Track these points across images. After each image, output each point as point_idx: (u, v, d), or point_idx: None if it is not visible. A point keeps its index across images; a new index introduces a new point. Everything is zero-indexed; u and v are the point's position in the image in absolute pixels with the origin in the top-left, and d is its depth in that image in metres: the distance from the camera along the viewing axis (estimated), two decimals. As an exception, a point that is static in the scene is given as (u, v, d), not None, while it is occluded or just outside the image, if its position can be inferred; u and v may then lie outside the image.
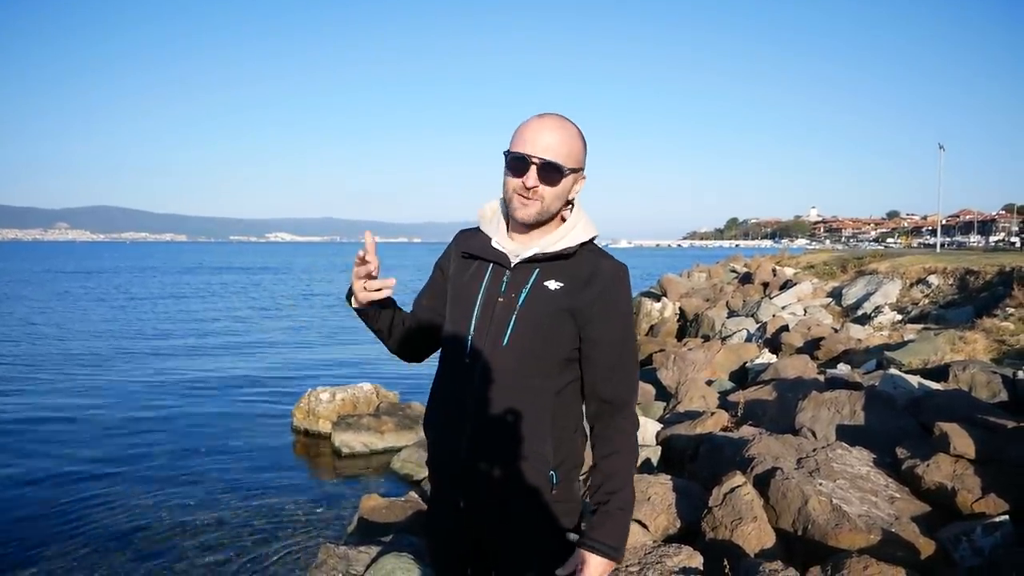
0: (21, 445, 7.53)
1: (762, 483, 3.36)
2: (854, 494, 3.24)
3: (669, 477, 3.68)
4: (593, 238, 1.52)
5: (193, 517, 5.61)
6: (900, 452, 3.76)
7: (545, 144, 1.42)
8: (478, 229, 1.58)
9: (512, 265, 1.49)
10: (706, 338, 11.20)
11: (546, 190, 1.43)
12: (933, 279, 11.99)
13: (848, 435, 4.29)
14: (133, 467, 6.84)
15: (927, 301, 11.28)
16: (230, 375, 11.79)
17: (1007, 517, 2.98)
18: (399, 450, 6.99)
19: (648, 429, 5.17)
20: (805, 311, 11.78)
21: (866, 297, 12.21)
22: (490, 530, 1.50)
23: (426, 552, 1.74)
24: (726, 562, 2.79)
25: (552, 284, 1.46)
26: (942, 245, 39.68)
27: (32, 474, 6.61)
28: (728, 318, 11.96)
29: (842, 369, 6.90)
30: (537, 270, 1.48)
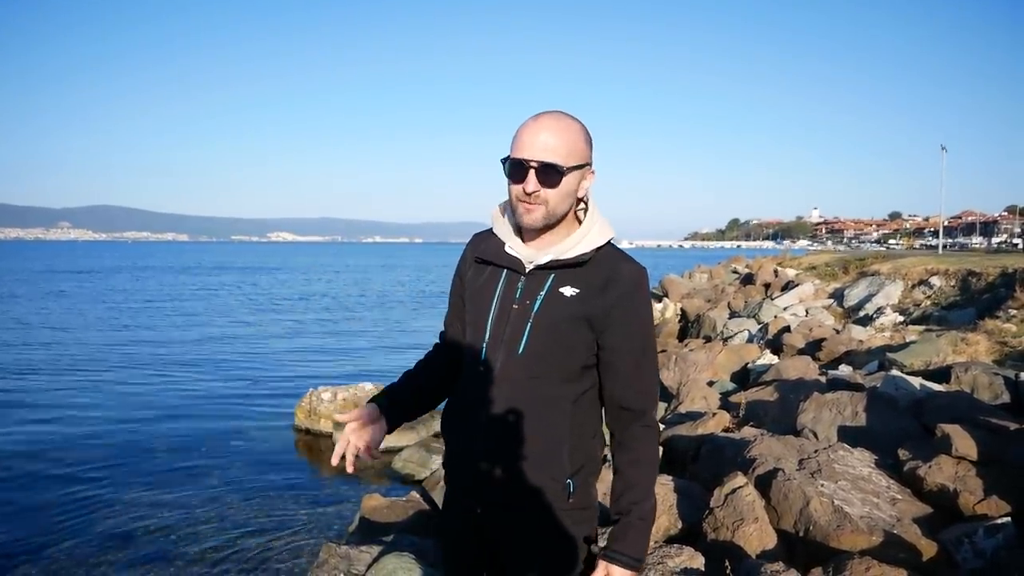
0: (22, 445, 7.54)
1: (764, 484, 3.36)
2: (856, 495, 3.24)
3: (670, 478, 3.68)
4: (610, 240, 1.47)
5: (194, 516, 5.61)
6: (902, 453, 3.76)
7: (543, 145, 1.36)
8: (492, 231, 1.55)
9: (527, 271, 1.46)
10: (707, 339, 11.20)
11: (548, 193, 1.38)
12: (935, 280, 11.98)
13: (850, 436, 4.29)
14: (134, 466, 6.84)
15: (929, 302, 11.26)
16: (232, 374, 11.80)
17: (1009, 519, 2.98)
18: (400, 450, 6.99)
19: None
20: (807, 312, 11.77)
21: (868, 298, 12.19)
22: (506, 538, 1.48)
23: (440, 555, 1.74)
24: (727, 563, 2.79)
25: (568, 290, 1.42)
26: (944, 246, 39.64)
27: (32, 474, 6.61)
28: (730, 319, 11.94)
29: (844, 370, 6.89)
30: (552, 276, 1.43)
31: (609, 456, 1.52)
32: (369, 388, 8.41)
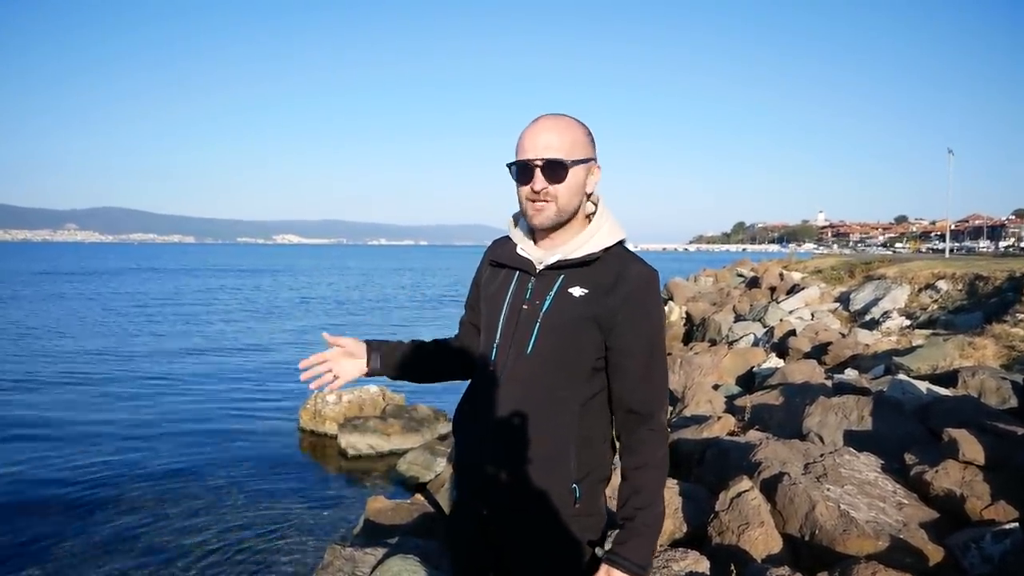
0: (25, 446, 7.57)
1: (769, 488, 3.35)
2: (862, 500, 3.23)
3: (675, 481, 3.67)
4: (621, 241, 1.47)
5: (199, 518, 5.63)
6: (908, 458, 3.74)
7: (544, 144, 1.39)
8: (508, 237, 1.57)
9: (537, 272, 1.47)
10: (713, 342, 11.18)
11: (557, 189, 1.40)
12: (942, 284, 11.93)
13: (856, 440, 4.27)
14: (138, 468, 6.86)
15: (936, 306, 11.22)
16: (237, 376, 11.84)
17: (1017, 524, 2.96)
18: (405, 452, 7.00)
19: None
20: (812, 316, 11.74)
21: (874, 302, 12.15)
22: (510, 540, 1.47)
23: (447, 556, 1.74)
24: (732, 567, 2.79)
25: (576, 291, 1.42)
26: (951, 250, 39.47)
27: (37, 475, 6.65)
28: (735, 322, 11.92)
29: (850, 374, 6.87)
30: (562, 276, 1.44)
31: (617, 462, 1.51)
32: (373, 391, 8.43)
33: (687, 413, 6.14)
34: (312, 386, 1.56)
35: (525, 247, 1.51)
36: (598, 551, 1.45)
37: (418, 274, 57.92)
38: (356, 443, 7.37)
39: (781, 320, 11.08)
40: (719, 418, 5.19)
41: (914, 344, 8.01)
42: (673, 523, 3.35)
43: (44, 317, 20.69)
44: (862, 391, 5.33)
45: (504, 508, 1.46)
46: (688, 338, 12.93)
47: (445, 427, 7.80)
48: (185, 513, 5.72)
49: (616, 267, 1.43)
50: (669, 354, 9.21)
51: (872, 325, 10.73)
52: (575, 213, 1.45)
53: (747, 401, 5.93)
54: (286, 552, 5.04)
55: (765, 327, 11.14)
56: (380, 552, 3.51)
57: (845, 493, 3.25)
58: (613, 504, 1.50)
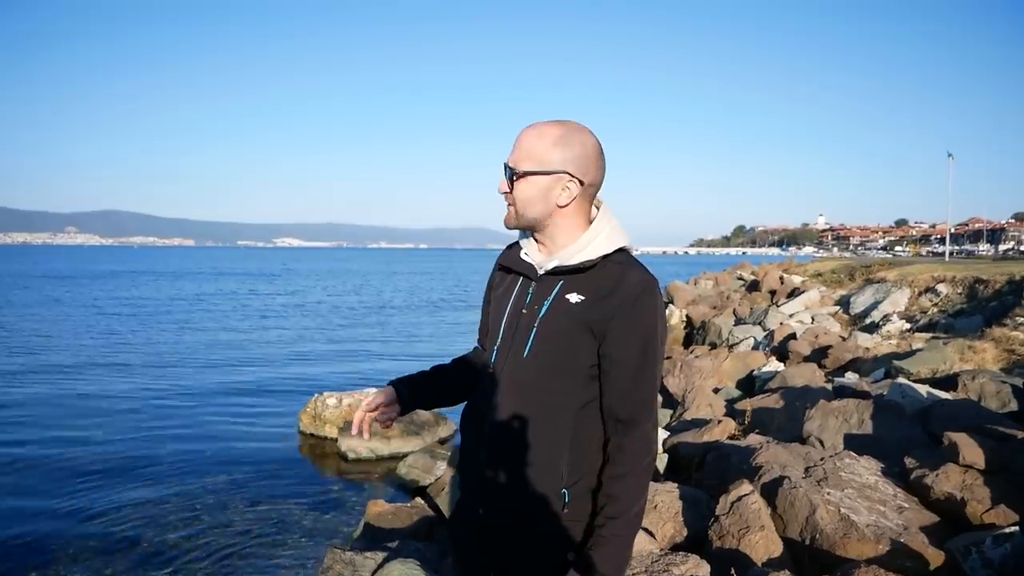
0: (27, 447, 7.57)
1: (769, 492, 3.34)
2: (862, 503, 3.23)
3: (676, 485, 3.67)
4: (622, 248, 1.46)
5: (198, 521, 5.62)
6: (909, 462, 3.74)
7: (515, 148, 1.45)
8: (518, 242, 1.58)
9: (538, 276, 1.48)
10: (713, 346, 11.18)
11: (515, 195, 1.45)
12: (942, 288, 11.94)
13: (856, 444, 4.27)
14: (138, 471, 6.85)
15: (936, 310, 11.22)
16: (237, 379, 11.82)
17: (1018, 528, 2.95)
18: (405, 456, 6.99)
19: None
20: (813, 319, 11.74)
21: (874, 305, 12.16)
22: (503, 541, 1.49)
23: (450, 556, 1.76)
24: (733, 571, 2.78)
25: (574, 297, 1.42)
26: (951, 254, 39.49)
27: (37, 477, 6.64)
28: (735, 326, 11.92)
29: (850, 378, 6.87)
30: (561, 282, 1.45)
31: None
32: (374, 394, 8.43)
33: (688, 417, 6.13)
34: (366, 436, 1.60)
35: (528, 252, 1.52)
36: (570, 555, 1.44)
37: (419, 277, 57.95)
38: (356, 446, 7.37)
39: (781, 323, 11.08)
40: (719, 422, 5.19)
41: (914, 347, 8.01)
42: (673, 527, 3.35)
43: (41, 321, 20.69)
44: (862, 394, 5.33)
45: (497, 508, 1.48)
46: (688, 341, 12.93)
47: (445, 430, 7.80)
48: (185, 516, 5.71)
49: (615, 274, 1.42)
50: (668, 357, 9.21)
51: (872, 328, 10.73)
52: (541, 221, 1.46)
53: (747, 404, 5.93)
54: (286, 556, 5.04)
55: (765, 330, 11.15)
56: (380, 556, 3.51)
57: (845, 497, 3.25)
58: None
